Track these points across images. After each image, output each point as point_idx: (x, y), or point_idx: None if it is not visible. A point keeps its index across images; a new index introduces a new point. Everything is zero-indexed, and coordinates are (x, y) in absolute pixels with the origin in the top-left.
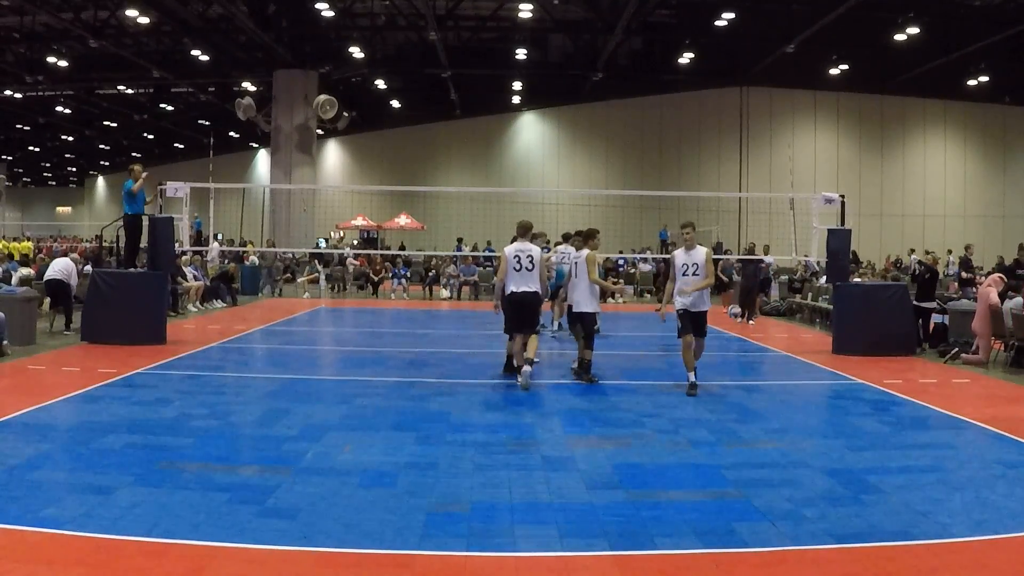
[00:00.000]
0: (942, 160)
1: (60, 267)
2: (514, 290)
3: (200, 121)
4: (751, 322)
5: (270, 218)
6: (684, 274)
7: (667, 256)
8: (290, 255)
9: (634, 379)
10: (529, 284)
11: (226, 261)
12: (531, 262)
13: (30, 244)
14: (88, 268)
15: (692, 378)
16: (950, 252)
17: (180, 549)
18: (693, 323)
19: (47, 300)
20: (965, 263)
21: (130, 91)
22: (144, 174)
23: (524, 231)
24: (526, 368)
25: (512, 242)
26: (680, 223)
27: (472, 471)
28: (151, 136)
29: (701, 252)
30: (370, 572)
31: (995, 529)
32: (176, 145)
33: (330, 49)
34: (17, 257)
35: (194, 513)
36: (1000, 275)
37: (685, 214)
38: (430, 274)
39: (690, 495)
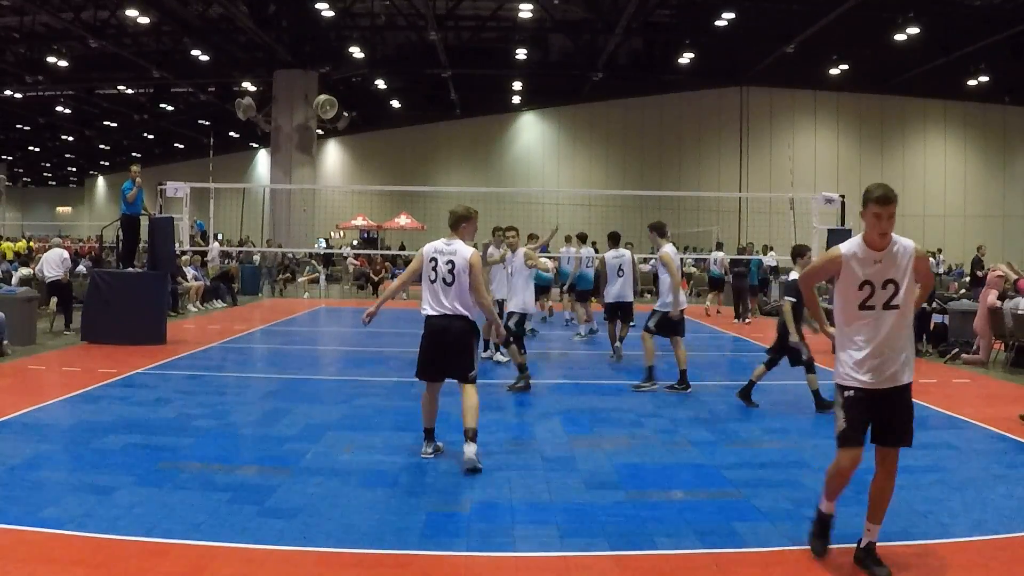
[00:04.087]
0: (942, 160)
1: (56, 264)
2: (431, 313)
3: (200, 121)
4: (747, 322)
5: (270, 218)
6: (865, 306)
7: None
8: (291, 255)
9: (634, 379)
10: (455, 303)
11: (228, 261)
12: (452, 271)
13: (23, 244)
14: (82, 268)
15: (828, 508)
16: (939, 251)
17: (180, 549)
18: (880, 418)
19: (53, 300)
20: (976, 263)
21: (130, 91)
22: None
23: (456, 222)
24: (469, 446)
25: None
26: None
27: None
28: (151, 136)
29: (906, 250)
30: (370, 572)
31: (995, 529)
32: (176, 145)
33: (330, 49)
34: (10, 256)
35: (194, 513)
36: (999, 275)
37: (685, 214)
38: None
39: (690, 495)
